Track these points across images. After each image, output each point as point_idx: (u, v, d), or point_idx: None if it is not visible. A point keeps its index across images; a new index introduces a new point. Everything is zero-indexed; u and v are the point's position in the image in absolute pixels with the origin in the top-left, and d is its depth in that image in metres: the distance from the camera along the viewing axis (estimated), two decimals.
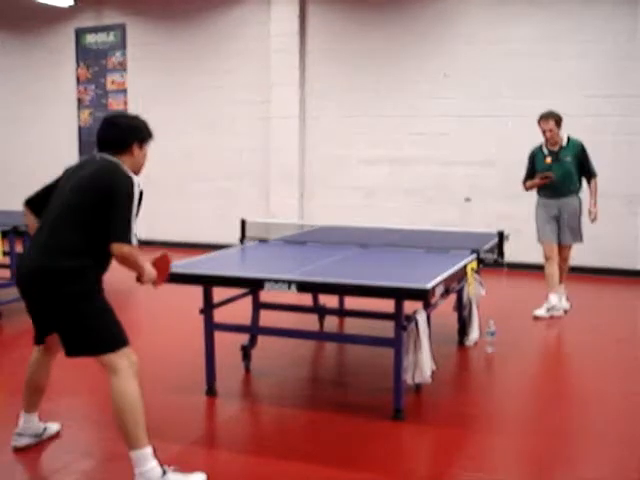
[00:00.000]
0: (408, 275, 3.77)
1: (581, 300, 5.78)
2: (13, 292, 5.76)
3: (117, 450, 3.27)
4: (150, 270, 2.94)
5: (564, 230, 5.78)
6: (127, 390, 2.76)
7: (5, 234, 5.68)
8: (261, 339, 4.50)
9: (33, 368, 3.14)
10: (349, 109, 8.61)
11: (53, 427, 3.33)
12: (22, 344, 5.28)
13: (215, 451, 3.34)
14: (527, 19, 7.74)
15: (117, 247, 2.73)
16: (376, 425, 3.50)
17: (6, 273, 5.85)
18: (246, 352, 4.38)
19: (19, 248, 5.76)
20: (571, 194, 5.77)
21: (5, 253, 5.72)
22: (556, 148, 5.75)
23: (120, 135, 2.96)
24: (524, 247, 6.60)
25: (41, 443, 3.23)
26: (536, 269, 6.86)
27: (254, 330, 4.42)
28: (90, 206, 2.76)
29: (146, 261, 2.92)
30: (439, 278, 3.45)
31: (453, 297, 4.84)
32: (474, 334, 4.78)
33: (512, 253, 6.17)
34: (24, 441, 3.15)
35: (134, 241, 2.76)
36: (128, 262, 2.79)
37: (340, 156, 8.67)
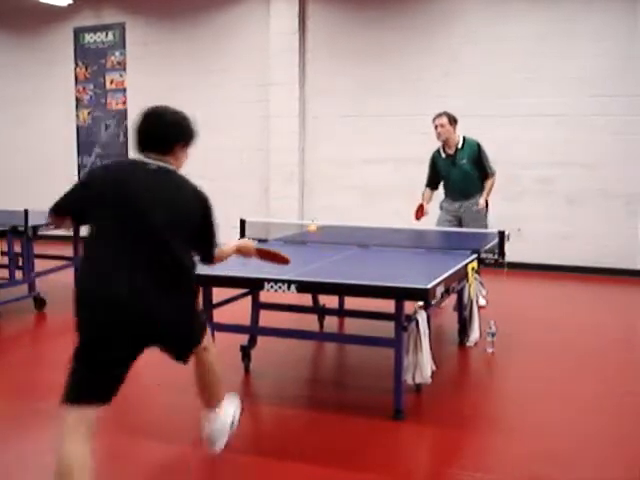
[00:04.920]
0: (408, 275, 3.76)
1: (581, 300, 5.78)
2: (12, 292, 5.79)
3: (117, 450, 3.27)
4: (231, 251, 3.03)
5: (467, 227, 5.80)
6: (215, 361, 2.93)
7: (4, 234, 5.65)
8: (261, 339, 4.49)
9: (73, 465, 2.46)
10: (349, 108, 8.60)
11: None
12: (23, 345, 5.28)
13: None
14: (529, 18, 7.73)
15: (210, 263, 2.85)
16: (376, 425, 3.50)
17: (5, 273, 5.83)
18: (246, 352, 4.37)
19: (17, 248, 5.76)
20: (472, 196, 5.80)
21: (4, 253, 5.71)
22: (452, 151, 5.82)
23: (173, 134, 2.67)
24: (524, 247, 6.61)
25: (41, 443, 3.21)
26: (537, 269, 6.87)
27: (254, 330, 4.41)
28: (191, 231, 2.63)
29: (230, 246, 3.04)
30: (439, 278, 3.44)
31: (453, 297, 4.84)
32: (474, 334, 4.77)
33: (512, 253, 6.17)
34: None
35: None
36: (221, 259, 2.91)
37: (340, 156, 8.66)
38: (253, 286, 3.89)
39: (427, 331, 3.70)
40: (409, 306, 3.56)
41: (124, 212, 2.49)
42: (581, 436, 3.50)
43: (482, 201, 5.77)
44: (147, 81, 9.66)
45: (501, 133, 7.87)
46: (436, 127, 5.82)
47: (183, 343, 2.77)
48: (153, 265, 2.48)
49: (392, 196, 8.38)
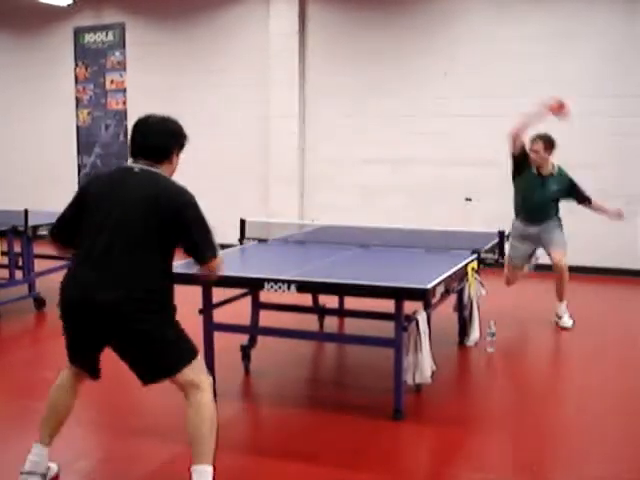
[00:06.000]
0: (408, 275, 3.76)
1: (581, 300, 5.78)
2: (12, 292, 5.79)
3: (116, 451, 3.27)
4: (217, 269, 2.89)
5: (546, 244, 5.61)
6: (211, 404, 2.70)
7: (4, 234, 5.64)
8: (261, 339, 4.49)
9: (59, 393, 2.85)
10: (349, 108, 8.60)
11: (54, 468, 2.95)
12: (23, 345, 5.28)
13: (215, 451, 3.33)
14: (528, 18, 7.72)
15: (211, 265, 2.75)
16: (376, 425, 3.50)
17: (5, 273, 5.83)
18: (246, 352, 4.37)
19: (17, 248, 5.76)
20: (548, 220, 5.61)
21: (4, 253, 5.70)
22: (545, 172, 5.57)
23: (164, 142, 2.79)
24: None
25: None
26: (536, 269, 6.85)
27: (254, 330, 4.41)
28: (164, 230, 2.65)
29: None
30: (439, 278, 3.44)
31: (453, 297, 4.84)
32: (475, 334, 4.77)
33: None
34: None
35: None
36: (215, 273, 2.81)
37: (340, 156, 8.66)
38: (253, 286, 3.88)
39: (427, 331, 3.70)
40: (409, 306, 3.56)
41: (105, 215, 2.66)
42: (581, 436, 3.50)
43: (613, 209, 5.68)
44: (147, 81, 9.66)
45: (501, 133, 7.85)
46: (530, 150, 5.48)
47: (147, 356, 2.67)
48: (131, 262, 2.62)
49: (392, 196, 8.38)
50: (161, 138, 2.79)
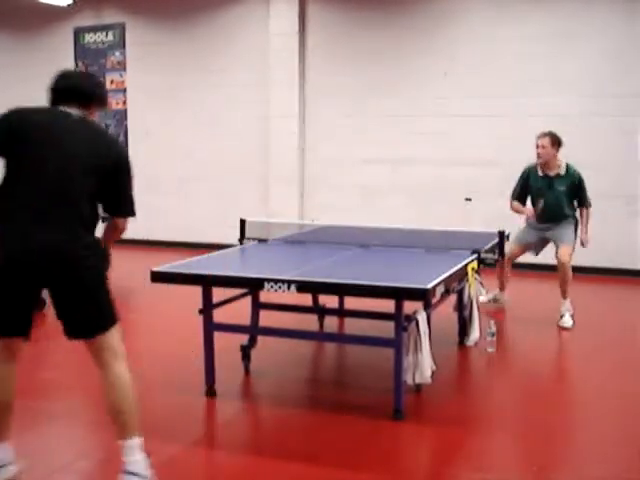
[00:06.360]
0: (408, 275, 3.76)
1: (581, 300, 5.78)
2: None
3: (117, 450, 3.26)
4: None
5: (556, 239, 5.64)
6: (128, 375, 2.72)
7: None
8: (261, 339, 4.49)
9: None
10: (349, 108, 8.60)
11: (11, 469, 2.81)
12: (22, 345, 5.28)
13: (215, 451, 3.34)
14: (528, 18, 7.72)
15: (124, 221, 2.76)
16: (376, 425, 3.50)
17: None
18: (246, 352, 4.37)
19: None
20: (561, 221, 5.63)
21: None
22: (552, 173, 5.56)
23: (90, 86, 2.81)
24: None
25: (41, 442, 3.22)
26: (536, 269, 6.86)
27: (254, 330, 4.41)
28: (101, 176, 2.64)
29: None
30: (439, 278, 3.44)
31: (454, 297, 4.84)
32: (475, 334, 4.77)
33: None
34: None
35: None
36: (120, 235, 2.82)
37: (340, 156, 8.66)
38: (253, 286, 3.88)
39: (427, 331, 3.70)
40: (409, 306, 3.56)
41: (45, 152, 2.60)
42: (581, 436, 3.50)
43: (585, 236, 5.61)
44: (147, 81, 9.67)
45: (501, 133, 7.87)
46: (537, 146, 5.50)
47: (84, 306, 2.65)
48: (64, 208, 2.58)
49: (392, 196, 8.39)
50: (86, 82, 2.85)
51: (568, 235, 5.62)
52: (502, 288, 6.04)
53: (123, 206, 2.76)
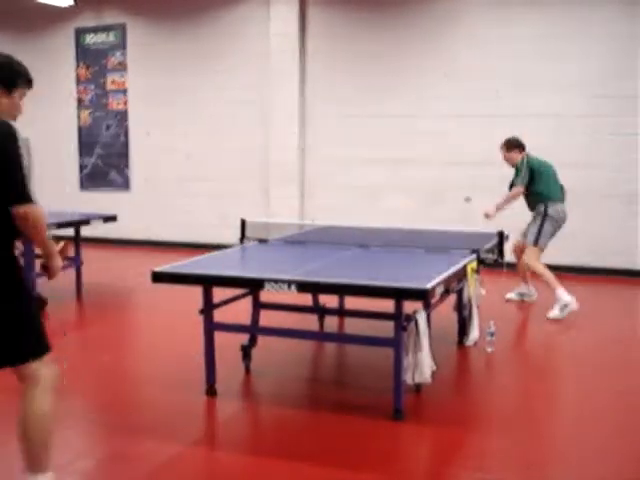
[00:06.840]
0: (408, 275, 3.77)
1: (581, 300, 5.78)
2: None
3: (117, 450, 3.27)
4: (55, 250, 2.60)
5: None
6: (47, 406, 2.51)
7: None
8: (261, 339, 4.50)
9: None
10: (349, 109, 8.61)
11: None
12: None
13: (215, 451, 3.34)
14: (528, 19, 7.73)
15: (22, 208, 2.41)
16: (376, 425, 3.51)
17: None
18: (246, 352, 4.38)
19: None
20: (534, 209, 5.94)
21: None
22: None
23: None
24: None
25: None
26: None
27: (254, 330, 4.42)
28: None
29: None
30: (439, 278, 3.45)
31: (453, 297, 4.84)
32: (474, 334, 4.78)
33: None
34: None
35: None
36: (35, 226, 2.45)
37: (340, 156, 8.67)
38: (253, 286, 3.89)
39: (427, 331, 3.71)
40: (409, 306, 3.57)
41: None
42: (581, 435, 3.50)
43: (492, 209, 5.85)
44: (148, 82, 9.68)
45: (501, 133, 7.86)
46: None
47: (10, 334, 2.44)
48: None
49: (392, 196, 8.39)
50: None
51: (532, 232, 5.88)
52: (525, 281, 6.23)
53: (20, 192, 2.43)
